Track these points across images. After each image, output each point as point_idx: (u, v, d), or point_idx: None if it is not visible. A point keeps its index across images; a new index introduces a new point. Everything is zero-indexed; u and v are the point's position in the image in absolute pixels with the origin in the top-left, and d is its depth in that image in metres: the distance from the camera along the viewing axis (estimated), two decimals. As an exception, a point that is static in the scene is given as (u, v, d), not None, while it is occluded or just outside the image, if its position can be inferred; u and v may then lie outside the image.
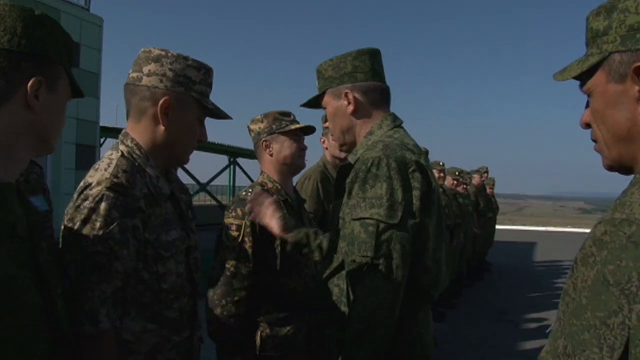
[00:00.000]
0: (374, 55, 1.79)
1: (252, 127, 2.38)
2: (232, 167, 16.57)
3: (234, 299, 2.09)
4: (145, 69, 1.46)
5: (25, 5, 1.05)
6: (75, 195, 1.35)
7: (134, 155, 1.45)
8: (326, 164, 3.36)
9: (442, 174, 6.71)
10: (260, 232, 2.14)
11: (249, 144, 2.49)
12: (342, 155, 2.77)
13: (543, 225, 22.97)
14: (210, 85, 1.56)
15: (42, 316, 0.99)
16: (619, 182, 0.90)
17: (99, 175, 1.36)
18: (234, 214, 2.17)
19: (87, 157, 9.13)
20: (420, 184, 1.57)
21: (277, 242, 2.16)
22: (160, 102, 1.44)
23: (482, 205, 9.12)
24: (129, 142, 1.47)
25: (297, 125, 2.31)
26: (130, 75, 1.49)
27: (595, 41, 0.94)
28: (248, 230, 2.13)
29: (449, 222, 6.61)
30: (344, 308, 1.61)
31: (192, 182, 15.47)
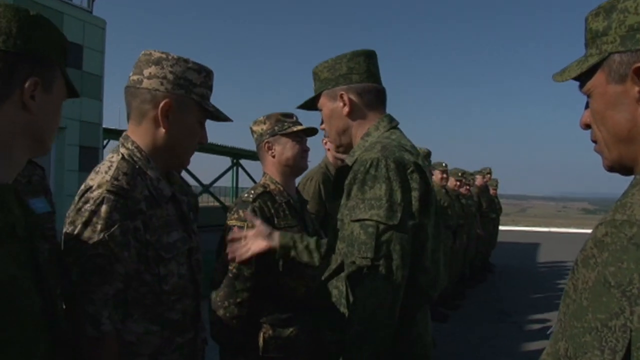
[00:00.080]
0: (369, 57, 1.79)
1: (254, 128, 2.39)
2: (235, 168, 16.59)
3: (236, 300, 2.09)
4: (146, 72, 1.46)
5: (20, 5, 1.05)
6: (76, 198, 1.35)
7: (135, 158, 1.45)
8: (328, 165, 3.36)
9: (445, 175, 6.70)
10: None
11: (252, 146, 2.50)
12: (344, 156, 2.77)
13: (546, 226, 22.92)
14: (210, 88, 1.56)
15: (42, 317, 0.99)
16: (623, 183, 0.90)
17: (99, 178, 1.36)
18: (236, 215, 2.17)
19: (90, 159, 9.14)
20: (419, 185, 1.58)
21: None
22: (161, 104, 1.44)
23: (485, 206, 9.10)
24: (129, 145, 1.47)
25: (300, 127, 2.31)
26: (131, 77, 1.49)
27: (595, 42, 0.94)
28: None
29: (452, 223, 6.60)
30: (344, 310, 1.61)
31: (195, 183, 15.48)
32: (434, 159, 6.33)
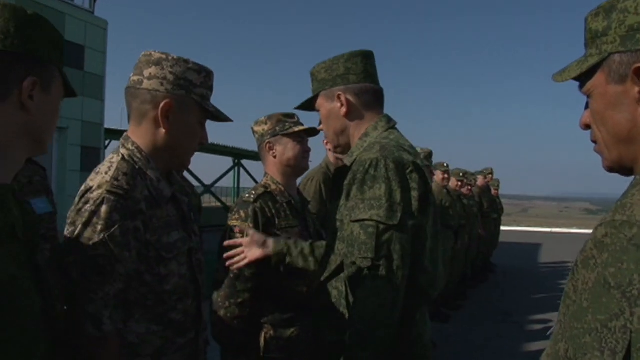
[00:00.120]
0: (366, 57, 1.79)
1: (255, 129, 2.39)
2: (236, 168, 16.56)
3: (237, 300, 2.09)
4: (146, 73, 1.46)
5: (17, 5, 1.04)
6: (76, 199, 1.35)
7: (135, 159, 1.45)
8: (329, 165, 3.36)
9: (446, 175, 6.69)
10: (263, 233, 2.14)
11: (253, 146, 2.50)
12: (344, 156, 2.77)
13: (548, 227, 22.87)
14: (211, 88, 1.56)
15: (42, 317, 1.00)
16: (625, 184, 0.89)
17: (99, 178, 1.36)
18: (237, 216, 2.18)
19: (92, 159, 9.14)
20: (418, 185, 1.58)
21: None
22: (161, 105, 1.44)
23: (487, 206, 9.09)
24: (129, 146, 1.48)
25: (301, 127, 2.31)
26: (131, 78, 1.49)
27: (595, 42, 0.93)
28: (251, 232, 2.13)
29: (454, 224, 6.59)
30: (343, 310, 1.61)
31: (197, 183, 15.46)
32: (435, 159, 6.32)
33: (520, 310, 6.96)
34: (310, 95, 1.87)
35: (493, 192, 9.85)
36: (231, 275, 2.09)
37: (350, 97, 1.75)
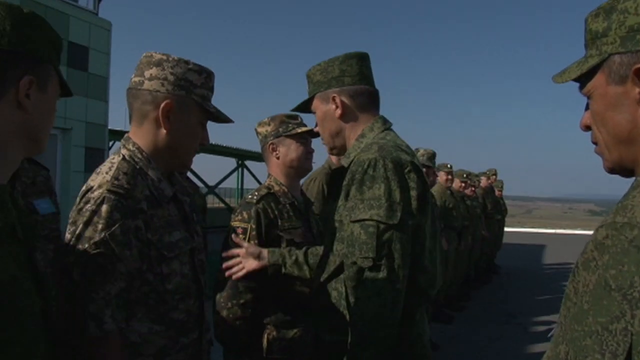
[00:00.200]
0: (362, 59, 1.79)
1: (259, 130, 2.39)
2: (240, 169, 16.58)
3: (240, 301, 2.09)
4: (147, 73, 1.47)
5: (13, 3, 1.04)
6: (77, 199, 1.36)
7: (136, 159, 1.46)
8: (331, 165, 3.35)
9: (450, 176, 6.68)
10: (266, 235, 2.14)
11: (257, 147, 2.50)
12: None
13: (552, 228, 22.83)
14: (211, 89, 1.56)
15: (42, 317, 1.00)
16: (628, 185, 0.89)
17: (100, 178, 1.37)
18: (240, 217, 2.18)
19: (96, 160, 9.15)
20: (417, 184, 1.58)
21: (284, 244, 2.17)
22: (162, 105, 1.45)
23: (490, 207, 9.07)
24: (130, 146, 1.48)
25: (304, 129, 2.31)
26: (133, 79, 1.50)
27: (595, 43, 0.93)
28: (254, 233, 2.14)
29: (457, 225, 6.58)
30: (343, 311, 1.61)
31: (201, 184, 15.46)
32: (439, 160, 6.31)
33: (524, 311, 6.94)
34: (306, 97, 1.88)
35: (497, 193, 9.83)
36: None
37: (345, 99, 1.75)
